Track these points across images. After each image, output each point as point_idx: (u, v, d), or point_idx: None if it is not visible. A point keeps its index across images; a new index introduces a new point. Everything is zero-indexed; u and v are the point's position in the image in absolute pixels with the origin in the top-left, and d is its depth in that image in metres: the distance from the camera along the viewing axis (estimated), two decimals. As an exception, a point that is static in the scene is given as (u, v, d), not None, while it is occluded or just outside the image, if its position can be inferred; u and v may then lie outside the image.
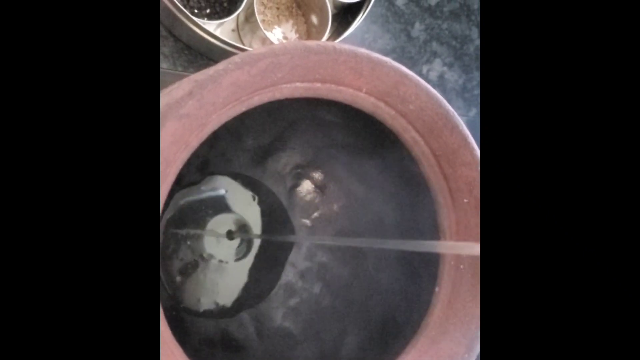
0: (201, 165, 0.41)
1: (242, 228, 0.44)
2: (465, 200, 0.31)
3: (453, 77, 0.68)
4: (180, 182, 0.41)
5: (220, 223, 0.43)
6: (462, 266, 0.31)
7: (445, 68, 0.67)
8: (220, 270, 0.43)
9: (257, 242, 0.44)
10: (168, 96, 0.27)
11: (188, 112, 0.25)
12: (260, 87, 0.27)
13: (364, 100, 0.29)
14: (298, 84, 0.28)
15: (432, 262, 0.32)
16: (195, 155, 0.29)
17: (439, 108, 0.30)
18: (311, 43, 0.27)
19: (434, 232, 0.32)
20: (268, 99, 0.28)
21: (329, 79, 0.28)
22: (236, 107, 0.27)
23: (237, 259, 0.43)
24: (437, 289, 0.32)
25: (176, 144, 0.26)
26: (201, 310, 0.41)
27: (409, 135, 0.31)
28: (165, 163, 0.25)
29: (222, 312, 0.42)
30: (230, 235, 0.43)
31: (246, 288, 0.43)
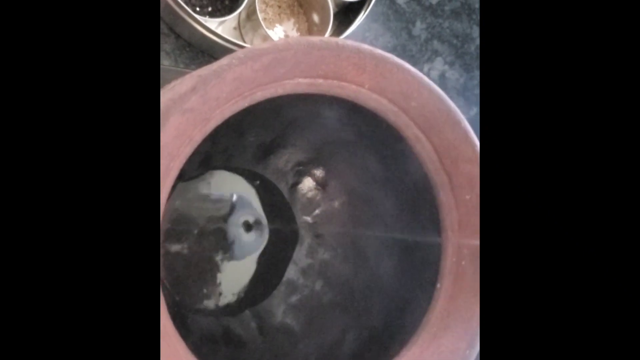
0: (204, 161, 0.41)
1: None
2: (467, 197, 0.31)
3: (454, 75, 0.68)
4: (183, 177, 0.41)
5: (226, 218, 0.43)
6: (463, 262, 0.31)
7: (446, 67, 0.68)
8: (224, 268, 0.43)
9: (260, 239, 0.44)
10: (171, 91, 0.28)
11: (192, 107, 0.26)
12: (263, 82, 0.27)
13: (367, 97, 0.29)
14: (301, 80, 0.28)
15: (433, 258, 0.32)
16: (197, 151, 0.29)
17: (441, 104, 0.30)
18: (314, 39, 0.27)
19: (436, 229, 0.33)
20: (271, 95, 0.28)
21: (332, 75, 0.28)
22: (239, 102, 0.27)
23: (241, 257, 0.44)
24: (438, 285, 0.32)
25: (180, 139, 0.26)
26: (203, 307, 0.42)
27: (410, 131, 0.31)
28: (169, 157, 0.25)
29: (224, 310, 0.42)
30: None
31: (250, 286, 0.43)
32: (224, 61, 0.26)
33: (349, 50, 0.28)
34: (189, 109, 0.26)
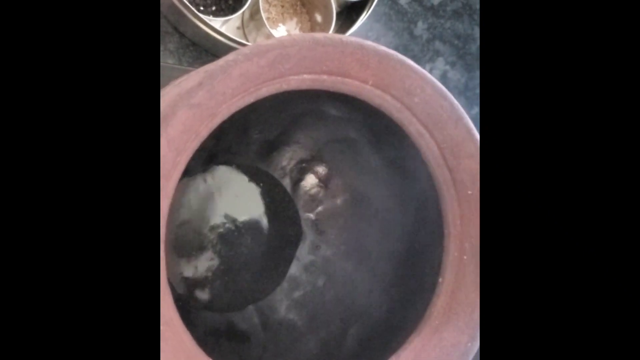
0: (208, 158, 0.42)
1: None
2: (469, 192, 0.31)
3: (455, 76, 0.68)
4: (189, 173, 0.42)
5: (229, 214, 0.44)
6: (465, 257, 0.31)
7: (447, 67, 0.68)
8: (227, 262, 0.43)
9: (265, 236, 0.44)
10: (178, 87, 0.28)
11: (199, 101, 0.26)
12: (268, 78, 0.28)
13: (370, 93, 0.30)
14: (305, 76, 0.29)
15: (435, 253, 0.33)
16: (202, 148, 0.29)
17: (443, 101, 0.30)
18: (319, 35, 0.28)
19: (438, 225, 0.33)
20: (276, 91, 0.28)
21: (336, 71, 0.29)
22: (245, 97, 0.28)
23: (244, 252, 0.44)
24: (440, 280, 0.32)
25: (187, 134, 0.26)
26: (207, 303, 0.42)
27: (413, 128, 0.31)
28: (176, 152, 0.26)
29: (227, 305, 0.42)
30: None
31: (253, 282, 0.44)
32: (230, 57, 0.27)
33: (353, 47, 0.28)
34: (195, 104, 0.26)
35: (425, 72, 0.30)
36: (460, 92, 0.68)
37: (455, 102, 0.30)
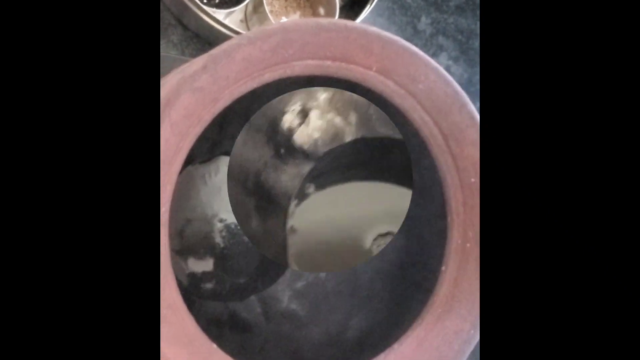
0: (211, 147, 0.42)
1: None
2: (472, 180, 0.31)
3: (458, 71, 0.68)
4: (193, 162, 0.42)
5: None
6: (468, 245, 0.31)
7: (450, 62, 0.68)
8: (231, 252, 0.43)
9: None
10: (182, 72, 0.28)
11: (202, 85, 0.26)
12: (271, 63, 0.28)
13: (374, 79, 0.30)
14: (309, 62, 0.28)
15: (438, 242, 0.33)
16: (205, 137, 0.29)
17: (447, 87, 0.30)
18: (322, 20, 0.28)
19: (441, 213, 0.33)
20: (279, 76, 0.28)
21: (340, 57, 0.29)
22: (248, 83, 0.28)
23: (247, 241, 0.44)
24: (443, 268, 0.32)
25: (190, 118, 0.26)
26: (210, 292, 0.42)
27: (417, 114, 0.31)
28: (179, 136, 0.26)
29: (230, 295, 0.42)
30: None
31: (256, 272, 0.44)
32: (233, 41, 0.27)
33: (357, 32, 0.28)
34: (199, 87, 0.26)
35: (429, 58, 0.30)
36: (463, 87, 0.68)
37: (459, 88, 0.30)
